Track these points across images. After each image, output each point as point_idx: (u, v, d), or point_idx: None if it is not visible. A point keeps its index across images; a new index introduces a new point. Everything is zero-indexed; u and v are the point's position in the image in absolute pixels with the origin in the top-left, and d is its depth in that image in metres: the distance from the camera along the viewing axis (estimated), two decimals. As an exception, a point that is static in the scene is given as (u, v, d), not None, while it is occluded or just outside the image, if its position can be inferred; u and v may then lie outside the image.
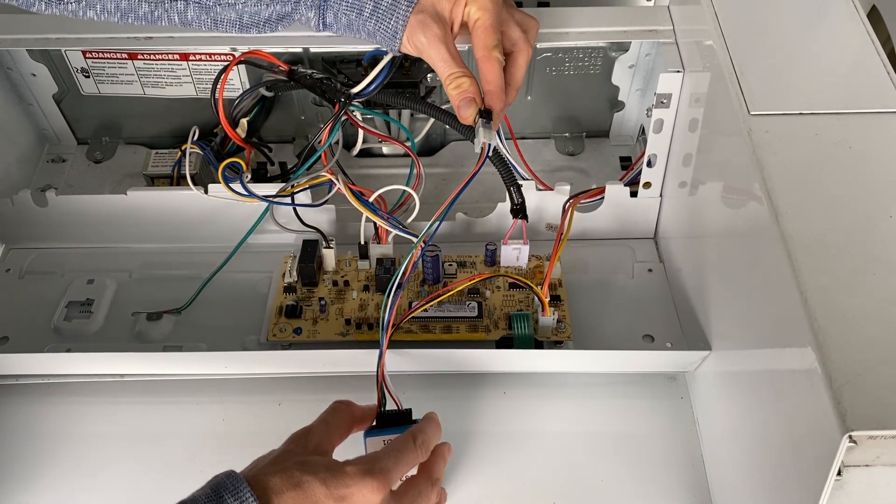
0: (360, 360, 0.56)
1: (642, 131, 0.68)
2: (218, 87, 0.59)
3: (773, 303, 0.43)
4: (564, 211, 0.59)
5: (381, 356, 0.50)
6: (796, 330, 0.38)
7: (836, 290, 0.39)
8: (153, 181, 0.65)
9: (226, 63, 0.61)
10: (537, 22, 0.55)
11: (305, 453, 0.44)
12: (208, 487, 0.40)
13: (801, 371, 0.38)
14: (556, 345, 0.57)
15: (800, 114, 0.46)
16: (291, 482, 0.41)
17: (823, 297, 0.38)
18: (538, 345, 0.56)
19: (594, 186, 0.66)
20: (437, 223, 0.52)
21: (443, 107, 0.61)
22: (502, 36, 0.51)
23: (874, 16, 0.82)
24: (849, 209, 0.41)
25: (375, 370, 0.50)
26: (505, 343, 0.57)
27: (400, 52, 0.52)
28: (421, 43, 0.50)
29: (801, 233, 0.41)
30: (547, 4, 0.79)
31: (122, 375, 0.58)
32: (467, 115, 0.51)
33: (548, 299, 0.56)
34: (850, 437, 0.34)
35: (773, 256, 0.41)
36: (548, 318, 0.56)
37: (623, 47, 0.62)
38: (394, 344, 0.57)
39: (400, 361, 0.56)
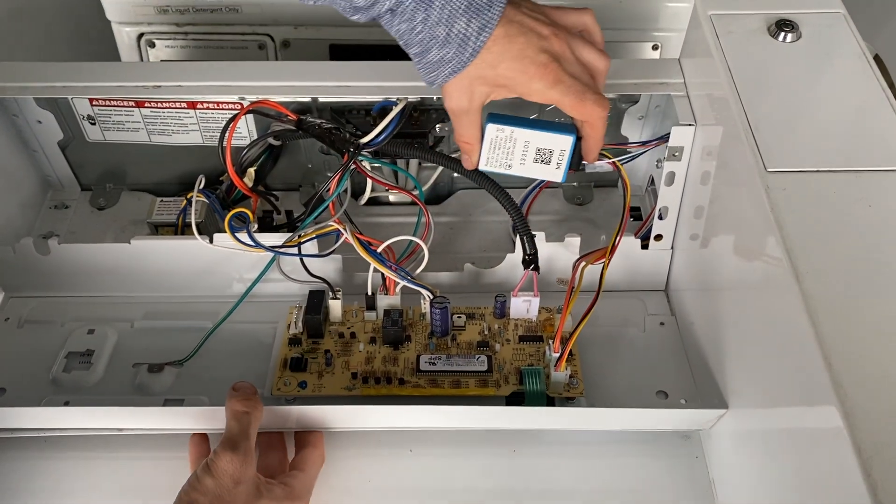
0: (366, 417, 0.55)
1: (651, 181, 0.67)
2: (226, 136, 0.58)
3: (794, 363, 0.42)
4: (575, 267, 0.58)
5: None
6: (820, 395, 0.37)
7: (860, 354, 0.38)
8: (157, 229, 0.64)
9: (233, 112, 0.61)
10: (603, 62, 0.51)
11: None
12: None
13: (826, 436, 0.37)
14: (568, 401, 0.56)
15: (817, 171, 0.45)
16: None
17: (848, 362, 0.37)
18: (550, 401, 0.55)
19: (603, 238, 0.65)
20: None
21: (452, 155, 0.60)
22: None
23: (877, 64, 0.82)
24: (871, 269, 0.41)
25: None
26: (516, 399, 0.55)
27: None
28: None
29: (823, 294, 0.40)
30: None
31: (121, 430, 0.57)
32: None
33: (559, 354, 0.55)
34: (882, 511, 0.33)
35: (793, 317, 0.40)
36: (560, 373, 0.55)
37: (633, 99, 0.62)
38: (401, 399, 0.56)
39: (407, 417, 0.55)
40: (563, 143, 0.53)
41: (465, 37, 0.46)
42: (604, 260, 0.57)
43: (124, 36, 0.79)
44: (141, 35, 0.79)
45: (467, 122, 0.51)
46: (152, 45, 0.80)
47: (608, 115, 0.51)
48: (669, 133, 0.57)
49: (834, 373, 0.37)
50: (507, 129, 0.52)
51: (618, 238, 0.58)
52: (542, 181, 0.63)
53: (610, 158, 0.57)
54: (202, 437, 0.54)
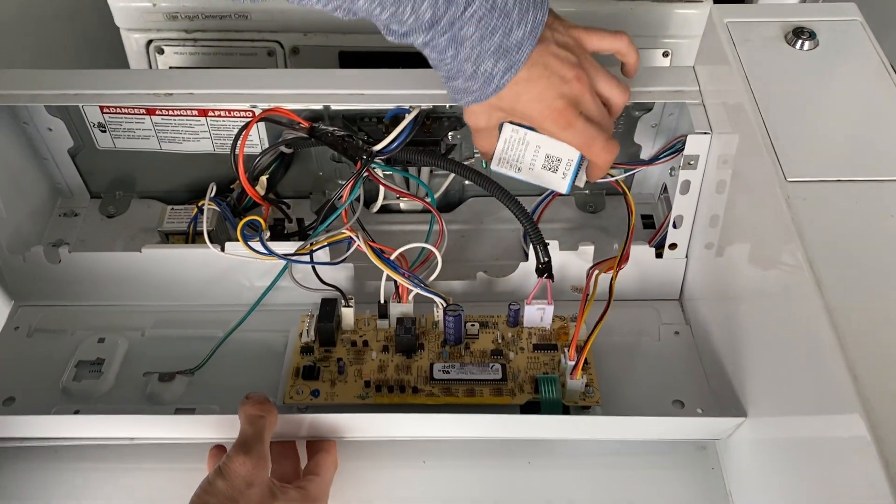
0: (380, 425, 0.55)
1: (664, 189, 0.67)
2: (238, 144, 0.58)
3: (816, 373, 0.41)
4: (589, 275, 0.58)
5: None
6: (845, 406, 0.37)
7: (885, 365, 0.37)
8: (168, 237, 0.64)
9: (245, 119, 0.61)
10: (622, 97, 0.53)
11: None
12: None
13: (851, 448, 0.37)
14: (584, 410, 0.55)
15: (838, 180, 0.45)
16: None
17: (873, 374, 0.37)
18: (565, 410, 0.55)
19: (616, 246, 0.65)
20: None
21: (465, 163, 0.60)
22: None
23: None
24: (894, 280, 0.40)
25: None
26: (531, 408, 0.55)
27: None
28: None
29: (846, 304, 0.39)
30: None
31: (131, 439, 0.56)
32: None
33: (574, 362, 0.55)
34: (912, 525, 0.32)
35: (815, 327, 0.40)
36: (576, 381, 0.54)
37: (646, 107, 0.62)
38: (415, 408, 0.56)
39: (421, 425, 0.54)
40: (571, 154, 0.54)
41: (490, 75, 0.48)
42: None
43: (133, 43, 0.79)
44: (150, 42, 0.79)
45: (484, 135, 0.55)
46: (161, 51, 0.80)
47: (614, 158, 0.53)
48: (675, 148, 0.57)
49: (859, 385, 0.37)
50: (522, 130, 0.54)
51: (625, 250, 0.59)
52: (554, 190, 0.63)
53: (614, 177, 0.58)
54: (221, 449, 0.54)
